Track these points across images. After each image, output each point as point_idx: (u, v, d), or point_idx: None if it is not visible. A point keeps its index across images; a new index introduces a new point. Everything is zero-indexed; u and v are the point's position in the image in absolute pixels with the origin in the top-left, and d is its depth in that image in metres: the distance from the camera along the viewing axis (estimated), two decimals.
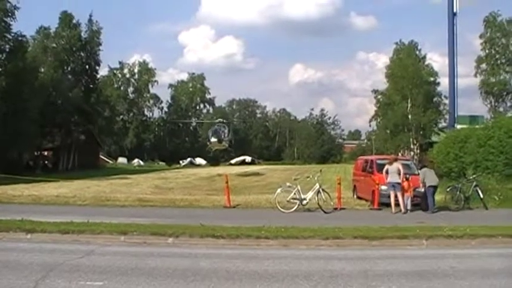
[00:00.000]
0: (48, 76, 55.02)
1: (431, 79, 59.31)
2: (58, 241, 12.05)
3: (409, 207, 18.39)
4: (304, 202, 18.48)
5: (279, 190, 18.94)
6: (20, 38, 45.92)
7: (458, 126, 38.12)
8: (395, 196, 18.38)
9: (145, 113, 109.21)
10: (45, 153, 61.75)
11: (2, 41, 44.36)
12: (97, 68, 65.98)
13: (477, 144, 25.04)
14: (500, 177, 22.61)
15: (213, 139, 40.69)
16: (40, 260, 9.64)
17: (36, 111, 45.15)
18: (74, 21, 60.74)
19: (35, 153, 57.42)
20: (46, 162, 59.95)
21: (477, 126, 29.66)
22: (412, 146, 58.65)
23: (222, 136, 40.76)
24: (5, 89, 41.79)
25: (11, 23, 44.45)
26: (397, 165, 18.82)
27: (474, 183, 19.71)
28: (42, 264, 9.22)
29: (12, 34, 44.96)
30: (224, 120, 44.51)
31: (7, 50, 44.84)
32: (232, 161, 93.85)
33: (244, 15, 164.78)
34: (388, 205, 18.57)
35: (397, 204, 18.32)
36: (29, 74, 45.64)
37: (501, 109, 52.33)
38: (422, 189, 18.63)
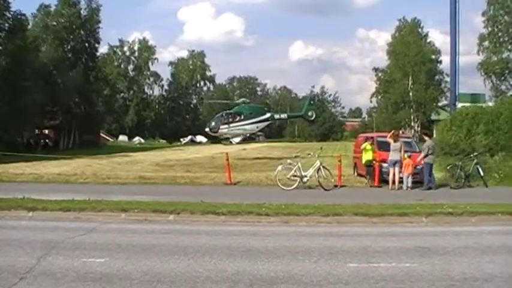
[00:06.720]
0: (49, 55, 54.77)
1: (433, 57, 59.29)
2: (59, 219, 12.12)
3: (409, 184, 18.41)
4: (305, 179, 18.54)
5: (279, 167, 19.01)
6: (19, 17, 45.61)
7: (460, 104, 38.02)
8: (395, 173, 18.50)
9: (146, 90, 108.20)
10: (46, 131, 61.68)
11: (2, 20, 44.03)
12: (97, 46, 66.18)
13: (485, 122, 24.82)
14: (504, 156, 22.40)
15: (207, 128, 38.56)
16: (42, 238, 9.71)
17: (37, 90, 44.92)
18: None
19: (36, 131, 57.35)
20: (47, 140, 59.92)
21: (484, 105, 29.37)
22: (412, 124, 58.67)
23: (217, 125, 37.45)
24: (5, 68, 41.62)
25: (10, 1, 44.20)
26: (399, 143, 18.87)
27: (475, 161, 19.67)
28: (44, 242, 9.27)
29: (12, 12, 44.69)
30: (246, 100, 42.41)
31: (6, 28, 44.55)
32: (234, 139, 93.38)
33: None
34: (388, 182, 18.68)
35: (399, 182, 18.45)
36: (30, 53, 45.50)
37: (503, 87, 51.92)
38: (425, 160, 18.57)
